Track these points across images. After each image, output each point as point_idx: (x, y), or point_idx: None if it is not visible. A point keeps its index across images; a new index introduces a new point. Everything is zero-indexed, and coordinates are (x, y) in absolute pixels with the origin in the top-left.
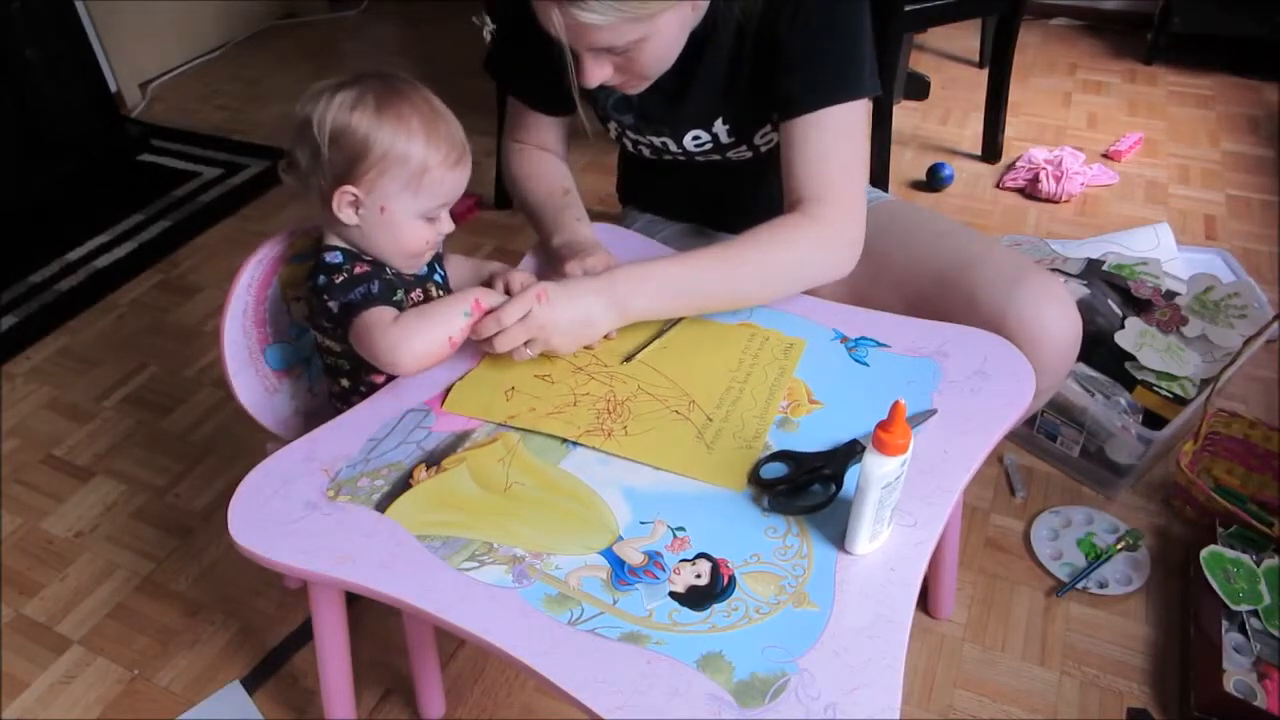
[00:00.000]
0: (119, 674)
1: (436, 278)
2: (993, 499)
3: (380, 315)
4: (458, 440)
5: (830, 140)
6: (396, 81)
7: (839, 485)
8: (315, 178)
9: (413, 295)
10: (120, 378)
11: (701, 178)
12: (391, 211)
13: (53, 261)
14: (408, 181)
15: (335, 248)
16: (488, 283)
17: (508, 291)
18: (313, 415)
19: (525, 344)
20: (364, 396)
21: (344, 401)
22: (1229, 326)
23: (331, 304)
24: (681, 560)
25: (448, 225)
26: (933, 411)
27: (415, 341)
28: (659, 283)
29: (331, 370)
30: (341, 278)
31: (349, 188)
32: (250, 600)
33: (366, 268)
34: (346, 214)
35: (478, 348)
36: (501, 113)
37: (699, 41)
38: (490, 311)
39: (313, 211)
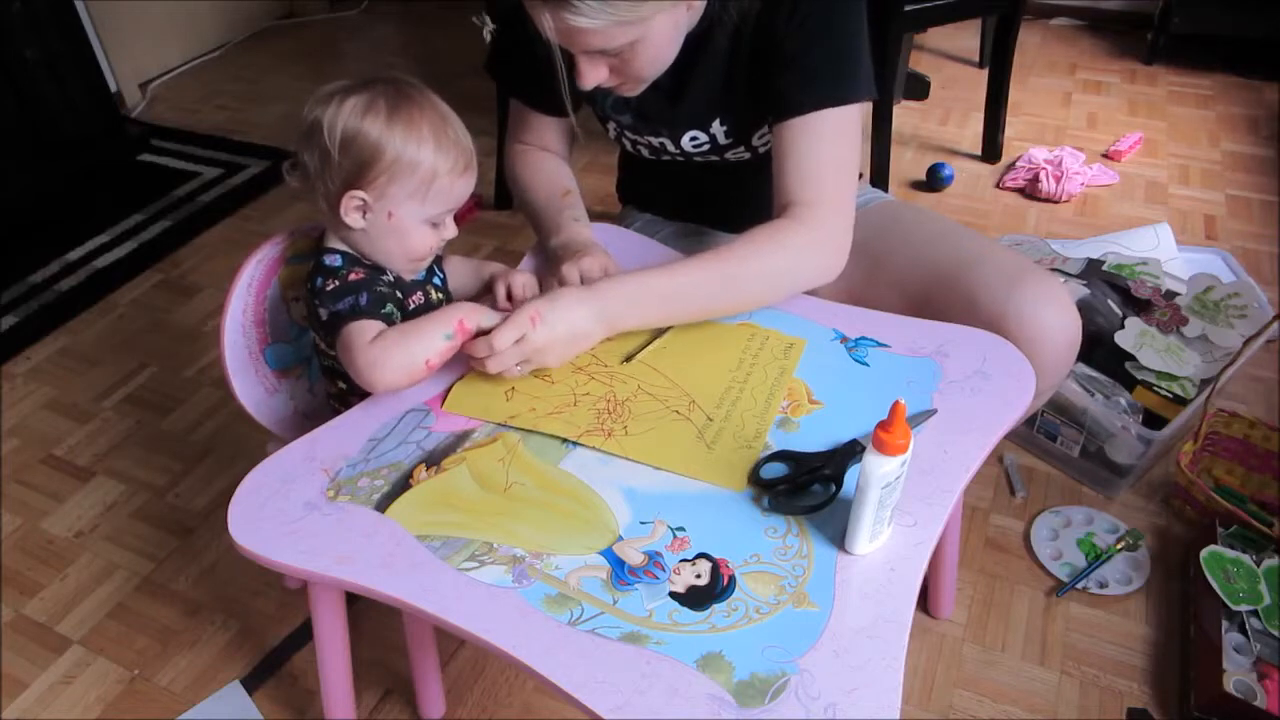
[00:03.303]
0: (119, 674)
1: (436, 280)
2: (993, 499)
3: (361, 331)
4: (458, 440)
5: (823, 143)
6: (406, 86)
7: (839, 485)
8: (322, 181)
9: (413, 298)
10: (120, 378)
11: (700, 178)
12: (399, 217)
13: (53, 261)
14: (416, 188)
15: (336, 250)
16: (488, 284)
17: (509, 294)
18: (313, 415)
19: (517, 364)
20: (362, 398)
21: (342, 403)
22: (1229, 326)
23: (321, 311)
24: (681, 560)
25: (451, 230)
26: (933, 411)
27: (391, 362)
28: (649, 295)
29: (330, 372)
30: (334, 285)
31: (357, 192)
32: (250, 600)
33: (362, 274)
34: (353, 218)
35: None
36: (502, 113)
37: (696, 42)
38: (483, 333)
39: (315, 212)
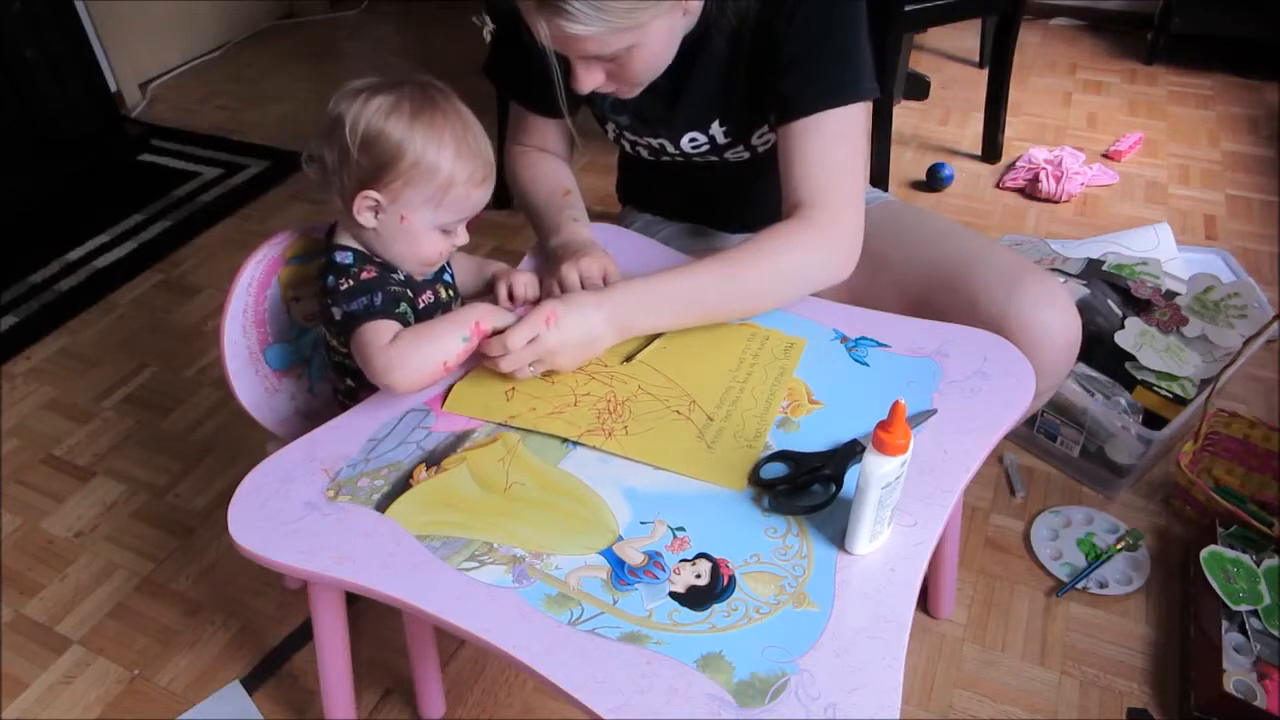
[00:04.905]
0: (119, 674)
1: (446, 277)
2: (993, 499)
3: (378, 332)
4: (458, 440)
5: (828, 143)
6: (434, 91)
7: (839, 485)
8: (339, 176)
9: (423, 296)
10: (120, 378)
11: (700, 178)
12: (411, 221)
13: (53, 261)
14: (432, 194)
15: (347, 247)
16: (490, 283)
17: (510, 294)
18: (313, 415)
19: (529, 364)
20: (370, 394)
21: (351, 399)
22: (1229, 326)
23: (335, 310)
24: (681, 560)
25: (463, 238)
26: (933, 411)
27: (409, 365)
28: (662, 299)
29: (339, 369)
30: (347, 284)
31: (372, 193)
32: (250, 600)
33: (374, 272)
34: (365, 217)
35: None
36: (502, 113)
37: (694, 44)
38: (497, 332)
39: (316, 213)
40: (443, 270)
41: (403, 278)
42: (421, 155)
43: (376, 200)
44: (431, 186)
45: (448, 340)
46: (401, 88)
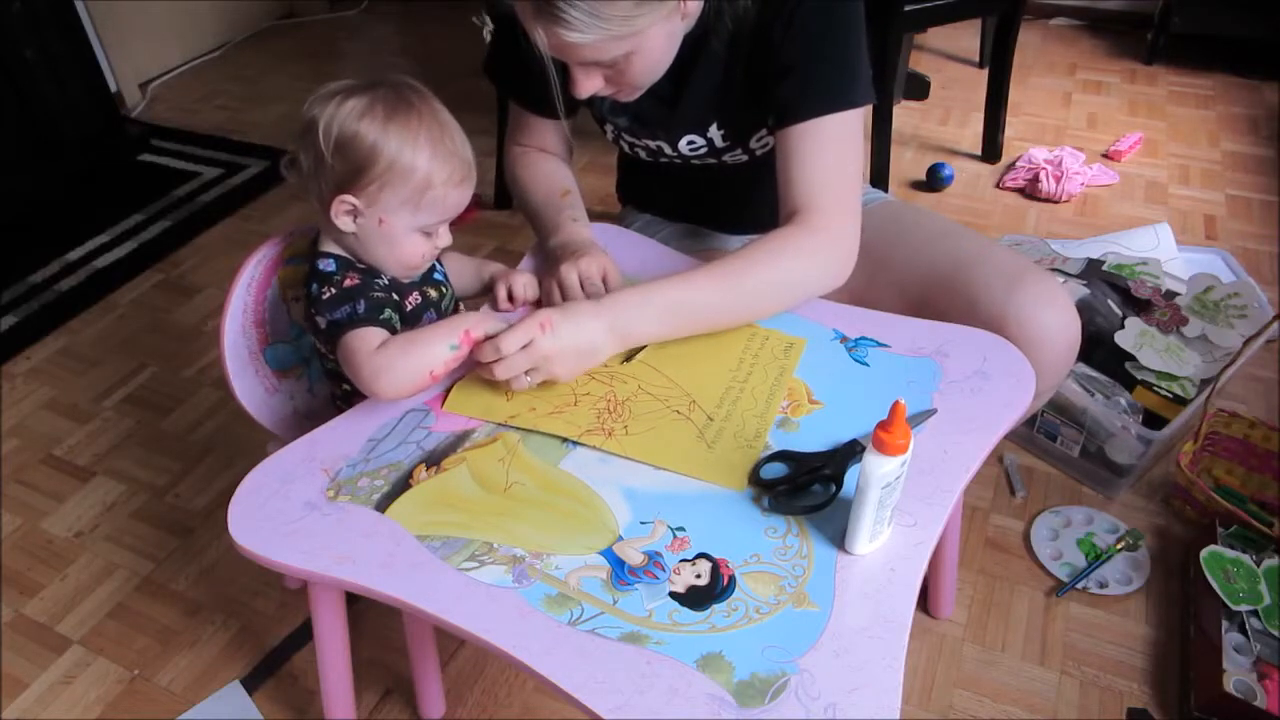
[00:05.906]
0: (119, 674)
1: (436, 276)
2: (993, 499)
3: (363, 339)
4: (458, 440)
5: (825, 149)
6: (408, 92)
7: (839, 485)
8: (316, 181)
9: (410, 298)
10: (120, 378)
11: (698, 180)
12: (390, 225)
13: (53, 261)
14: (409, 196)
15: (329, 255)
16: (489, 284)
17: (510, 295)
18: (313, 415)
19: (526, 372)
20: (365, 397)
21: (347, 403)
22: (1229, 326)
23: (319, 319)
24: (681, 560)
25: (445, 239)
26: (933, 411)
27: (395, 372)
28: (661, 308)
29: (333, 375)
30: (329, 292)
31: (348, 197)
32: (250, 600)
33: (357, 279)
34: (344, 222)
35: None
36: (502, 113)
37: (693, 47)
38: (490, 338)
39: (314, 212)
40: (432, 270)
41: (387, 282)
42: (396, 156)
43: (354, 204)
44: (408, 188)
45: (435, 348)
46: (375, 89)
